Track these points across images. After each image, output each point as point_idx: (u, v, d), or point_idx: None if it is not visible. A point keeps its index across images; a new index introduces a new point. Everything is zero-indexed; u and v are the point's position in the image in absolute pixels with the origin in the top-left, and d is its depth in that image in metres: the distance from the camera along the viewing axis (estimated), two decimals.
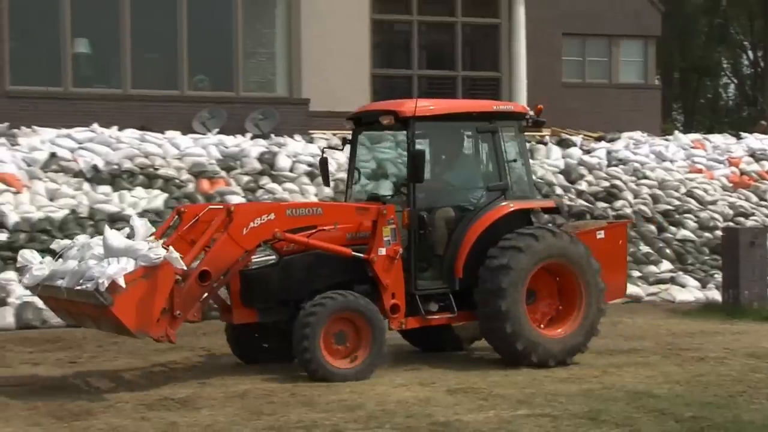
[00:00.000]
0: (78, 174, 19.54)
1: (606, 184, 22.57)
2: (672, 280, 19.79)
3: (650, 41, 32.50)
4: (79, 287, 10.68)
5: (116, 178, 19.59)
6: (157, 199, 19.08)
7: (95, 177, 19.53)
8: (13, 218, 17.57)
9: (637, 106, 30.61)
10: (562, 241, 12.38)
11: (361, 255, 11.87)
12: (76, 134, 20.60)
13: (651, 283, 19.55)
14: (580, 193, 22.14)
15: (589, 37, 30.75)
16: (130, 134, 20.80)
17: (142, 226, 12.39)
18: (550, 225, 14.02)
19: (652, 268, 20.04)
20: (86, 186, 19.25)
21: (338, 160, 19.05)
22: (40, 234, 17.22)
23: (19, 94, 22.07)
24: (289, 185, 20.48)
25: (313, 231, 11.89)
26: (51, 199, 18.67)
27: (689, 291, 19.37)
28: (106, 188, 19.30)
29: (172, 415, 9.68)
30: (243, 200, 19.72)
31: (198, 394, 10.63)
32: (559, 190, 21.90)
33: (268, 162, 21.01)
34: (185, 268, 10.87)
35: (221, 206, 12.69)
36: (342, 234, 12.05)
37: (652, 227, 21.38)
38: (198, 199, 19.47)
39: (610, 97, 30.40)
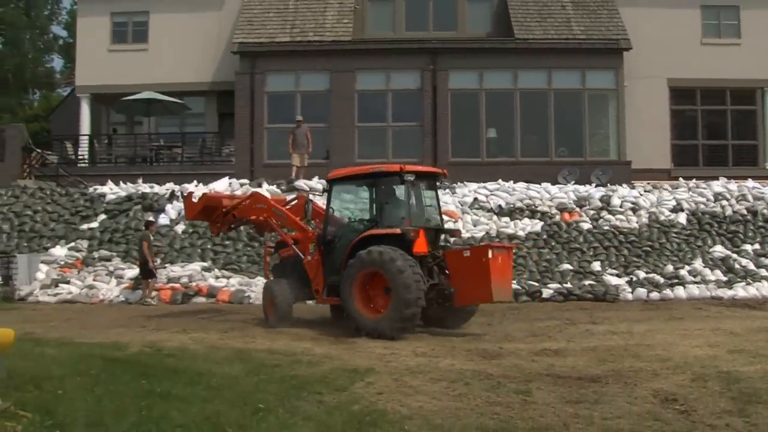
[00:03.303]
0: (490, 210, 19.92)
1: None
2: None
3: None
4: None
5: (512, 212, 19.78)
6: (537, 225, 19.11)
7: (500, 212, 19.85)
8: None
9: None
10: (381, 257, 10.93)
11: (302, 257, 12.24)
12: (489, 186, 20.97)
13: None
14: None
15: None
16: (521, 186, 21.03)
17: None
18: (383, 246, 11.18)
19: None
20: (495, 218, 19.57)
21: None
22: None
23: (456, 163, 22.73)
24: (619, 216, 19.79)
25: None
26: (474, 226, 19.13)
27: None
28: (506, 219, 19.55)
29: (549, 360, 9.57)
30: (590, 226, 19.35)
31: (565, 347, 10.44)
32: None
33: (605, 201, 20.38)
34: (195, 200, 13.80)
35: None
36: (307, 247, 12.31)
37: None
38: (563, 225, 19.31)
39: None
